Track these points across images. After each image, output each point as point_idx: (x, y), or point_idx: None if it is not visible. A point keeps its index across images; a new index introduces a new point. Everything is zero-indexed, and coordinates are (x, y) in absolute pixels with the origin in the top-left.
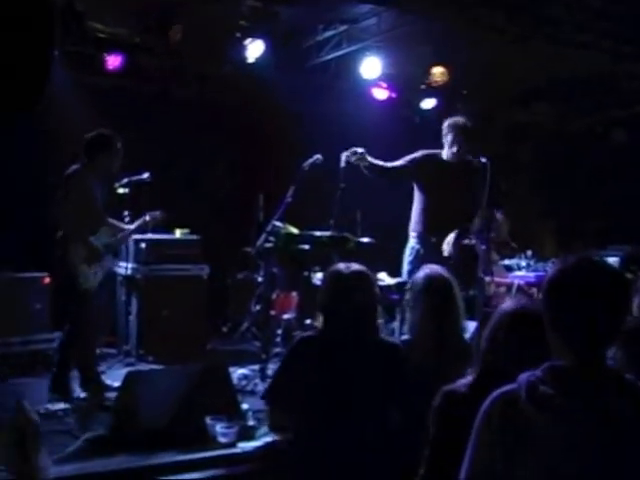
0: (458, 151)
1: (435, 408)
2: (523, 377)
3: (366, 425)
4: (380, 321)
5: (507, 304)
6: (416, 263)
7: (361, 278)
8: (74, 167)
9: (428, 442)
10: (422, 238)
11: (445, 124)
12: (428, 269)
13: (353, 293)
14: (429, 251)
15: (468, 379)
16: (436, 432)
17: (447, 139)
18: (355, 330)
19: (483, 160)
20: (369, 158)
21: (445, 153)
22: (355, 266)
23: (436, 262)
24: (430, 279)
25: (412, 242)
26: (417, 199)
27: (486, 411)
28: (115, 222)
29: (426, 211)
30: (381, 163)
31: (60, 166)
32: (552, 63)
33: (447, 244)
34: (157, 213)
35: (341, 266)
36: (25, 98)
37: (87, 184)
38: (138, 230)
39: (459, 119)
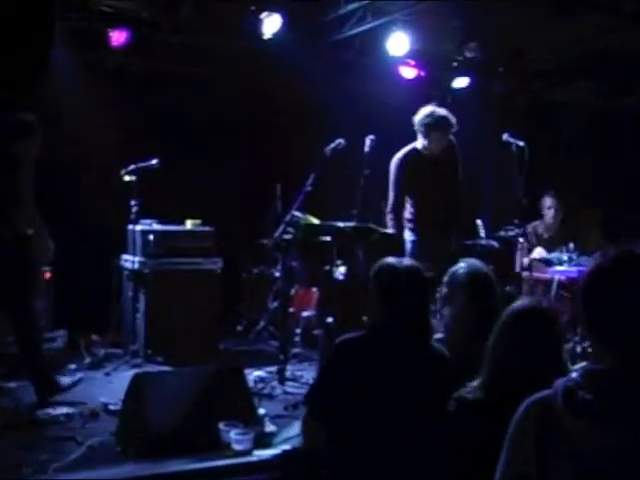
0: (434, 147)
1: (449, 419)
2: (560, 382)
3: (412, 436)
4: (435, 321)
5: (517, 303)
6: (417, 255)
7: (417, 274)
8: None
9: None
10: (415, 230)
11: (417, 122)
12: (468, 263)
13: (408, 291)
14: (425, 242)
15: (475, 383)
16: (453, 443)
17: (420, 134)
18: (408, 334)
19: (452, 139)
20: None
21: (418, 146)
22: (408, 261)
23: (434, 252)
24: (471, 274)
25: (408, 235)
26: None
27: (520, 417)
28: None
29: (416, 206)
30: (394, 218)
31: (61, 150)
32: (595, 36)
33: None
34: None
35: (393, 260)
36: (25, 79)
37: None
38: None
39: (418, 115)
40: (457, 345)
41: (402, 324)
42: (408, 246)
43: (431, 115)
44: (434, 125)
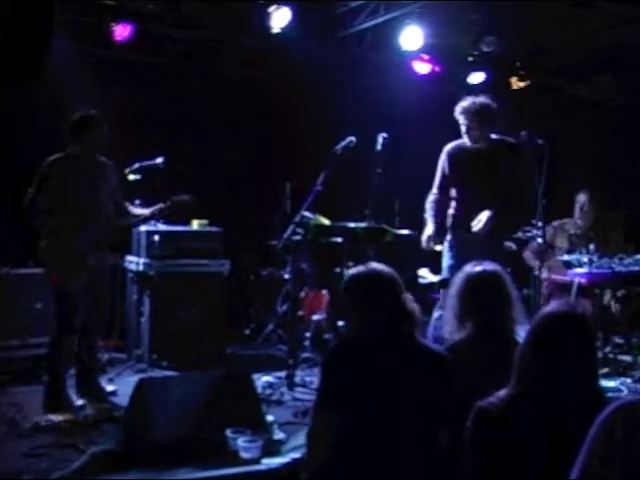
0: (475, 135)
1: (468, 431)
2: None
3: (412, 441)
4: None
5: (549, 307)
6: (456, 258)
7: (381, 277)
8: (55, 156)
9: (466, 468)
10: (452, 228)
11: (456, 111)
12: (473, 263)
13: (373, 296)
14: (467, 245)
15: (503, 392)
16: (472, 457)
17: (462, 126)
18: (389, 338)
19: (511, 141)
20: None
21: (466, 140)
22: (374, 265)
23: (476, 255)
24: (472, 275)
25: (450, 235)
26: (452, 191)
27: (605, 423)
28: (132, 209)
29: (459, 202)
30: (434, 212)
31: (62, 147)
32: (616, 28)
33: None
34: (186, 197)
35: (359, 269)
36: (24, 73)
37: (72, 173)
38: (153, 218)
39: (466, 102)
40: (464, 353)
41: (380, 331)
42: (447, 245)
43: (460, 105)
44: (457, 115)
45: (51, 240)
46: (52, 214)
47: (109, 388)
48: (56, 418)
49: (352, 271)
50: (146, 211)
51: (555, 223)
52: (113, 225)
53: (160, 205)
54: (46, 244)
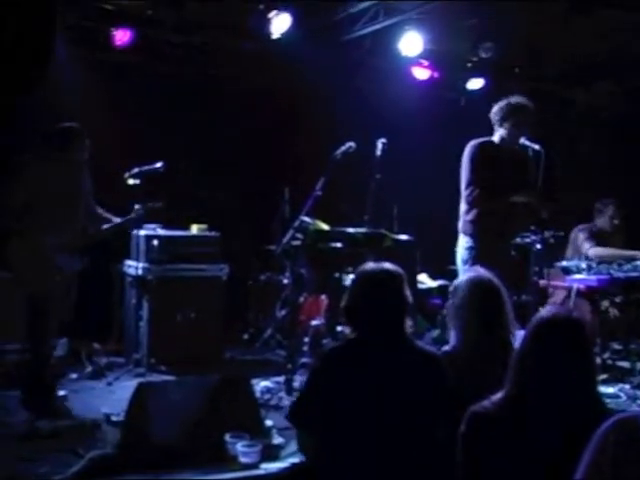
0: (515, 135)
1: (461, 435)
2: None
3: (408, 443)
4: (410, 328)
5: (545, 311)
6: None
7: (392, 277)
8: (30, 155)
9: (459, 471)
10: (475, 234)
11: (502, 105)
12: (472, 272)
13: (383, 294)
14: (485, 249)
15: (498, 396)
16: (465, 461)
17: (505, 123)
18: (386, 335)
19: (537, 147)
20: None
21: (495, 139)
22: (387, 265)
23: (495, 263)
24: (475, 283)
25: (464, 240)
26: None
27: (602, 434)
28: (106, 215)
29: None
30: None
31: None
32: (617, 34)
33: None
34: (159, 204)
35: (370, 265)
36: (25, 79)
37: (49, 173)
38: (127, 224)
39: (495, 106)
40: (464, 359)
41: (376, 326)
42: (465, 252)
43: (508, 102)
44: (512, 110)
45: (20, 241)
46: (26, 213)
47: (60, 392)
48: (55, 423)
49: (366, 267)
50: (118, 219)
51: (582, 227)
52: (85, 229)
53: (132, 215)
54: (15, 245)
